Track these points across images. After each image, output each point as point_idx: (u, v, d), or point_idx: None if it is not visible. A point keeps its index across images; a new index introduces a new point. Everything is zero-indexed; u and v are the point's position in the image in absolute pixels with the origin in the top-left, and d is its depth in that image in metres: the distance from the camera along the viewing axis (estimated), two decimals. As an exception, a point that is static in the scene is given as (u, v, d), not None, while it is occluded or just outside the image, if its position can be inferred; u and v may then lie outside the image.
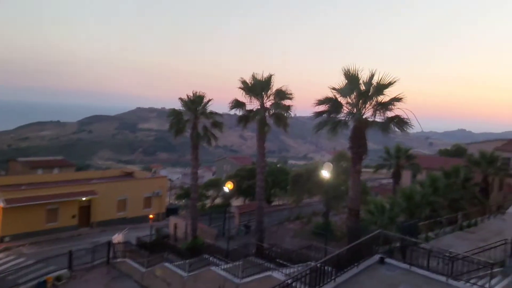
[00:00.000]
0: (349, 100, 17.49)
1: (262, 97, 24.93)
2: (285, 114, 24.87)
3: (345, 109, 17.69)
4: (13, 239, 32.04)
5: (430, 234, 21.26)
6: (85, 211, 37.34)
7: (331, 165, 19.65)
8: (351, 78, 17.12)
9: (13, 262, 27.02)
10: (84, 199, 36.65)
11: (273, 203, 43.73)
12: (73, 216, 36.09)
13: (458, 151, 58.56)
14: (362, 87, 17.15)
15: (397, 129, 17.33)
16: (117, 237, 27.89)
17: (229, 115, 30.90)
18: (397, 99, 16.96)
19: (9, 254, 29.41)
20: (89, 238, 33.28)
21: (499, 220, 24.85)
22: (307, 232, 27.15)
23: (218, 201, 44.33)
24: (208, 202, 43.94)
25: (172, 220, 34.40)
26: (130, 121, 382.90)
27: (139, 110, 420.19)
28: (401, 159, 35.42)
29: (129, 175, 48.33)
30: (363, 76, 17.15)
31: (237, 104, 25.39)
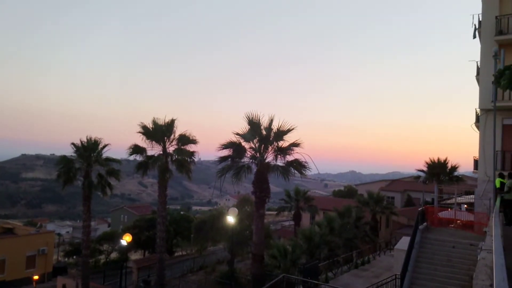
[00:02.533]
0: (252, 145, 17.95)
1: (164, 142, 24.24)
2: (188, 160, 24.36)
3: (249, 154, 18.06)
4: None
5: (330, 274, 22.02)
6: None
7: (237, 210, 19.49)
8: (253, 124, 17.71)
9: None
10: None
11: (176, 254, 41.70)
12: None
13: (350, 192, 63.45)
14: (263, 133, 17.79)
15: (296, 172, 18.11)
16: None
17: (128, 160, 29.33)
18: (295, 144, 17.89)
19: None
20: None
21: (388, 256, 26.92)
22: (211, 282, 26.10)
23: (114, 255, 40.77)
24: (102, 258, 40.11)
25: (60, 280, 30.54)
26: (12, 170, 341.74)
27: (24, 157, 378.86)
28: (300, 201, 36.96)
29: (9, 231, 42.21)
30: (264, 122, 17.88)
31: (137, 149, 24.25)
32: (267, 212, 31.14)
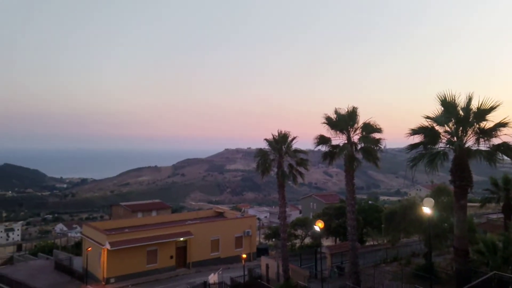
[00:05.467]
0: (447, 129, 16.24)
1: (348, 132, 24.33)
2: (374, 148, 23.84)
3: (443, 139, 16.42)
4: (117, 280, 34.26)
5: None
6: (182, 251, 38.80)
7: (433, 200, 17.99)
8: (447, 104, 15.97)
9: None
10: (181, 239, 38.19)
11: (366, 243, 41.42)
12: (171, 257, 37.70)
13: None
14: (461, 114, 15.87)
15: (505, 157, 15.58)
16: (213, 278, 28.31)
17: (313, 151, 30.60)
18: (502, 124, 15.36)
19: (114, 294, 31.43)
20: (186, 279, 34.21)
21: None
22: (407, 274, 24.94)
23: (307, 240, 43.28)
24: (297, 242, 43.10)
25: (264, 260, 34.17)
26: (219, 163, 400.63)
27: (227, 151, 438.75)
28: (511, 191, 31.58)
29: (220, 215, 49.65)
30: (461, 102, 15.92)
31: (322, 140, 25.00)
32: (468, 204, 27.87)
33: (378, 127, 23.67)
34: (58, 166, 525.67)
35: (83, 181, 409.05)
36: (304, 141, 28.89)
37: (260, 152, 28.52)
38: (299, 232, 43.26)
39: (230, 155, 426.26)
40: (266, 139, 28.64)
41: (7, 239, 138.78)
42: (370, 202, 50.43)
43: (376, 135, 23.74)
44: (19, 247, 66.85)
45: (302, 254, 34.92)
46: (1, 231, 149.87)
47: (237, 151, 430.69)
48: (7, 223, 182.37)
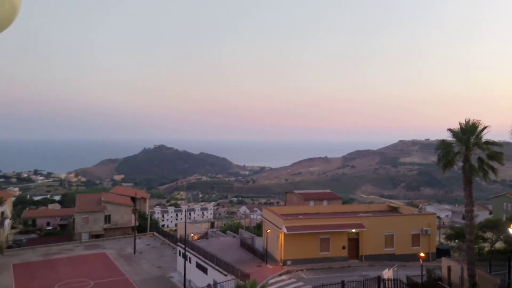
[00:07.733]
0: None
1: (560, 120, 20.12)
2: None
3: None
4: (293, 263, 36.41)
5: None
6: (354, 243, 38.69)
7: None
8: None
9: (295, 285, 30.76)
10: (353, 231, 38.14)
11: None
12: (343, 247, 38.04)
13: None
14: None
15: None
16: (387, 273, 27.48)
17: (507, 143, 26.21)
18: None
19: (290, 277, 33.74)
20: (359, 271, 34.04)
21: None
22: None
23: (498, 245, 37.65)
24: (486, 246, 37.91)
25: (445, 261, 31.34)
26: (392, 155, 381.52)
27: (401, 143, 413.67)
28: None
29: (394, 210, 47.47)
30: None
31: (523, 130, 21.37)
32: None
33: None
34: (242, 155, 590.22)
35: (262, 169, 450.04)
36: (497, 131, 25.23)
37: (443, 143, 26.08)
38: (488, 235, 38.00)
39: (404, 147, 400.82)
40: (450, 129, 26.04)
41: (203, 217, 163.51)
42: None
43: None
44: (212, 224, 78.18)
45: (492, 259, 30.73)
46: (198, 210, 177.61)
47: (413, 142, 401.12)
48: (202, 203, 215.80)
